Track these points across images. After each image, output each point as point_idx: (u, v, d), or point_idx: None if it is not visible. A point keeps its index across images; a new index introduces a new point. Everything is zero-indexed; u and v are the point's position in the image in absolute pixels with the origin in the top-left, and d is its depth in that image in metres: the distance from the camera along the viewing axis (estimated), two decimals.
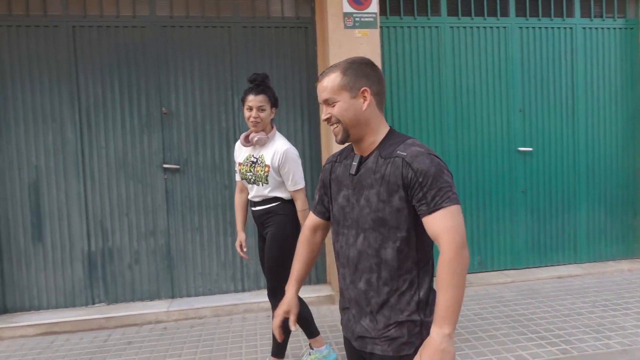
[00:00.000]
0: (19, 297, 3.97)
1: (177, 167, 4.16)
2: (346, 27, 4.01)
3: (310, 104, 4.35)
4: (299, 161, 2.73)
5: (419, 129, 4.50)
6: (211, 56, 4.18)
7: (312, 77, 4.33)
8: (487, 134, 4.65)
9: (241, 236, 3.00)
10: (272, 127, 2.76)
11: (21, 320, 3.78)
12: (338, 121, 1.40)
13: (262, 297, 4.13)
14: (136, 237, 4.12)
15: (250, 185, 2.81)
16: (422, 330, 1.33)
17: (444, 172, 1.30)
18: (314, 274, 4.42)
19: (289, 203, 2.75)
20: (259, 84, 2.67)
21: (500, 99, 4.66)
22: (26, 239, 3.97)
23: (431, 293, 1.38)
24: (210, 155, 4.22)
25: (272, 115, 2.74)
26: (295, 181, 2.68)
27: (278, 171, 2.68)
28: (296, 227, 2.68)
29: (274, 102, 2.72)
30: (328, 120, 1.42)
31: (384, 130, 1.43)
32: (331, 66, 1.43)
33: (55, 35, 3.96)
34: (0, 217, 3.93)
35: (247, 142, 2.79)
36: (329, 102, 1.40)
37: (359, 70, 1.39)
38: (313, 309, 3.97)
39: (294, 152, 2.70)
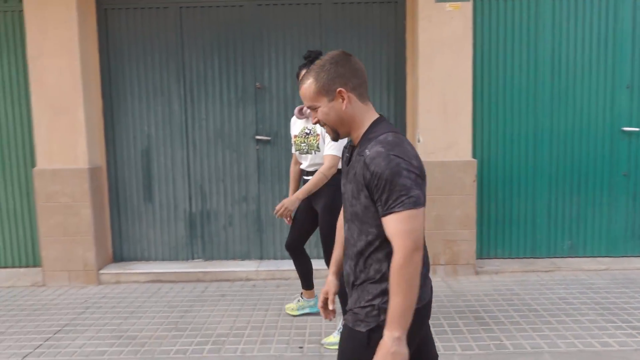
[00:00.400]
0: (132, 248, 4.56)
1: (268, 138, 4.44)
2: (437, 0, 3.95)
3: (397, 80, 4.38)
4: None
5: (510, 108, 4.34)
6: (302, 33, 4.36)
7: (400, 53, 4.34)
8: (587, 113, 4.35)
9: None
10: None
11: (135, 268, 4.36)
12: (325, 123, 1.45)
13: None
14: (230, 202, 4.50)
15: (304, 156, 2.99)
16: (379, 314, 1.35)
17: (401, 175, 1.27)
18: None
19: (339, 173, 2.80)
20: (312, 60, 2.76)
21: (604, 75, 4.32)
22: (139, 198, 4.52)
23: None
24: None
25: None
26: (330, 146, 2.78)
27: (324, 140, 2.84)
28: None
29: None
30: (318, 122, 1.48)
31: (368, 121, 1.43)
32: (307, 71, 1.47)
33: (165, 16, 4.36)
34: (119, 179, 4.50)
35: (301, 114, 3.00)
36: (312, 108, 1.45)
37: (331, 72, 1.39)
38: None
39: None
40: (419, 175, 1.31)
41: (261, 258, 4.54)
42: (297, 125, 3.07)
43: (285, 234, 4.50)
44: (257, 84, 4.40)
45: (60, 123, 4.13)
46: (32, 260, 4.52)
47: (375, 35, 4.35)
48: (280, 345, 3.00)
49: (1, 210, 4.48)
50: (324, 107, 1.42)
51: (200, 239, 4.54)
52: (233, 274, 4.28)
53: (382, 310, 1.34)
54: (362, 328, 1.37)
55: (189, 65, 4.40)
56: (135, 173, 4.50)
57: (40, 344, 3.12)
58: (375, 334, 1.33)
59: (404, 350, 1.26)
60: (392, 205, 1.27)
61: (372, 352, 1.29)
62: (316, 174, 2.84)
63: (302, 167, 3.08)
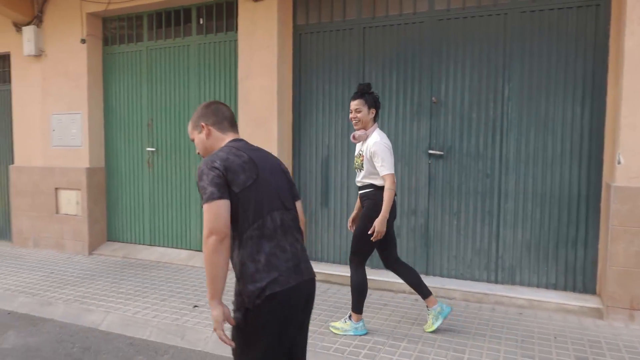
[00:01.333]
0: (307, 248, 5.00)
1: (441, 153, 4.38)
2: None
3: (595, 92, 3.87)
4: (388, 151, 3.18)
5: None
6: (484, 44, 4.19)
7: (600, 62, 3.83)
8: None
9: (354, 214, 3.56)
10: (374, 124, 3.33)
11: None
12: (199, 151, 1.99)
13: (515, 292, 4.02)
14: (399, 214, 4.58)
15: (357, 172, 3.40)
16: (241, 297, 1.74)
17: (201, 179, 1.70)
18: (581, 281, 3.98)
19: (380, 190, 3.20)
20: (362, 92, 3.28)
21: None
22: (316, 203, 4.95)
23: (243, 264, 1.71)
24: (475, 143, 4.28)
25: (372, 115, 3.30)
26: (383, 167, 3.15)
27: (371, 160, 3.20)
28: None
29: (371, 104, 3.28)
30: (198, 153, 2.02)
31: (221, 145, 1.91)
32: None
33: (350, 36, 4.70)
34: (301, 185, 5.00)
35: (354, 139, 3.40)
36: (192, 140, 2.01)
37: (199, 113, 1.96)
38: (574, 320, 3.67)
39: (383, 144, 3.19)
40: (222, 170, 1.70)
41: (426, 273, 4.50)
42: (357, 148, 3.47)
43: (455, 250, 4.38)
44: (434, 98, 4.39)
45: (259, 133, 4.81)
46: None
47: (569, 43, 3.92)
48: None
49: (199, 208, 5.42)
50: (196, 138, 1.95)
51: None
52: (396, 286, 4.34)
53: (238, 292, 1.76)
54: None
55: (368, 80, 4.65)
56: (315, 180, 4.94)
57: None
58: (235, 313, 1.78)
59: (215, 312, 1.68)
60: (201, 201, 1.70)
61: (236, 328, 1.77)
62: (385, 192, 3.16)
63: (355, 181, 3.48)
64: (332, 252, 4.90)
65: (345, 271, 4.61)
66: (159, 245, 5.81)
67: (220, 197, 1.65)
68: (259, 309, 1.67)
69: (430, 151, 4.42)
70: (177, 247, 5.69)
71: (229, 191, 1.68)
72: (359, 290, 3.33)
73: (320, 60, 4.85)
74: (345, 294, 4.25)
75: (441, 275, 4.44)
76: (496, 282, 4.26)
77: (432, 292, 3.46)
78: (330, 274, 4.62)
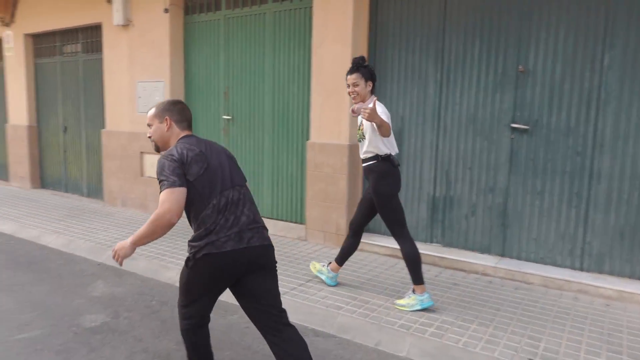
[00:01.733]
0: (377, 221, 4.91)
1: (526, 127, 4.05)
2: None
3: None
4: (385, 115, 3.13)
5: None
6: (582, 6, 3.75)
7: None
8: None
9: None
10: (371, 96, 3.31)
11: (377, 241, 4.71)
12: (153, 139, 2.36)
13: (602, 281, 3.69)
14: (475, 191, 4.34)
15: (360, 146, 3.39)
16: (189, 249, 2.13)
17: (164, 169, 2.05)
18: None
19: (384, 161, 3.25)
20: (357, 67, 3.28)
21: None
22: None
23: (197, 229, 2.10)
24: (565, 117, 3.90)
25: (369, 88, 3.30)
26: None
27: (371, 126, 3.15)
28: (391, 184, 3.32)
29: (368, 77, 3.28)
30: (150, 137, 2.39)
31: (176, 140, 2.28)
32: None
33: (430, 0, 4.41)
34: None
35: (353, 112, 3.38)
36: (149, 125, 2.35)
37: (164, 105, 2.31)
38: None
39: (383, 112, 3.15)
40: (180, 163, 2.06)
41: (502, 255, 4.26)
42: (358, 121, 3.44)
43: (536, 233, 4.09)
44: (520, 67, 4.04)
45: (330, 103, 4.74)
46: (300, 217, 5.38)
47: None
48: (507, 351, 2.79)
49: (284, 174, 5.48)
50: (155, 126, 2.29)
51: (440, 223, 4.56)
52: (469, 265, 4.15)
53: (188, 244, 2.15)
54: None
55: (448, 49, 4.37)
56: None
57: (294, 287, 3.74)
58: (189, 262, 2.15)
59: (128, 251, 2.12)
60: (160, 188, 2.04)
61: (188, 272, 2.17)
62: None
63: (360, 155, 3.45)
64: None
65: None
66: None
67: (181, 185, 2.02)
68: (197, 263, 2.09)
69: (514, 125, 4.10)
70: None
71: (185, 179, 2.06)
72: (412, 260, 3.32)
73: (397, 26, 4.63)
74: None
75: (518, 258, 4.18)
76: (581, 269, 3.93)
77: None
78: (398, 249, 4.50)
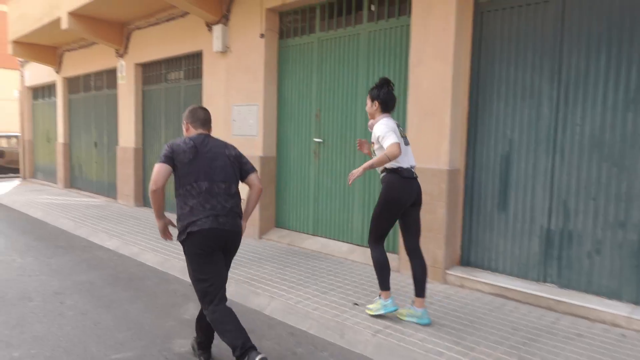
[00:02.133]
0: (480, 255, 4.44)
1: None
2: None
3: None
4: (386, 127, 3.28)
5: None
6: None
7: None
8: None
9: None
10: (380, 114, 3.46)
11: (480, 277, 4.23)
12: None
13: None
14: (601, 225, 3.73)
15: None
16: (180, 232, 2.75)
17: (161, 152, 2.72)
18: None
19: (392, 173, 3.38)
20: (380, 86, 3.46)
21: None
22: (492, 205, 4.35)
23: (179, 209, 2.73)
24: None
25: (375, 107, 3.47)
26: (384, 140, 3.26)
27: (378, 142, 3.35)
28: (394, 196, 3.38)
29: (374, 97, 3.46)
30: None
31: None
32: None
33: (544, 10, 3.96)
34: (474, 183, 4.45)
35: (370, 128, 3.54)
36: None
37: (185, 113, 2.94)
38: None
39: (381, 123, 3.34)
40: (171, 149, 2.71)
41: (636, 302, 3.58)
42: None
43: None
44: None
45: (427, 124, 4.41)
46: (392, 246, 5.01)
47: None
48: None
49: (376, 199, 5.19)
50: (184, 129, 2.94)
51: (556, 261, 3.98)
52: (594, 313, 3.54)
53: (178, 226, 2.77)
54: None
55: (566, 64, 3.87)
56: (492, 178, 4.34)
57: (389, 326, 3.41)
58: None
59: (159, 224, 2.87)
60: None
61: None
62: (379, 157, 3.29)
63: None
64: (509, 263, 4.25)
65: (525, 287, 3.96)
66: (320, 236, 5.85)
67: (164, 162, 2.67)
68: (185, 241, 2.69)
69: None
70: (338, 240, 5.65)
71: (174, 164, 2.69)
72: (382, 266, 3.48)
73: (504, 41, 4.21)
74: (526, 314, 3.63)
75: None
76: None
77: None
78: (506, 288, 4.01)
